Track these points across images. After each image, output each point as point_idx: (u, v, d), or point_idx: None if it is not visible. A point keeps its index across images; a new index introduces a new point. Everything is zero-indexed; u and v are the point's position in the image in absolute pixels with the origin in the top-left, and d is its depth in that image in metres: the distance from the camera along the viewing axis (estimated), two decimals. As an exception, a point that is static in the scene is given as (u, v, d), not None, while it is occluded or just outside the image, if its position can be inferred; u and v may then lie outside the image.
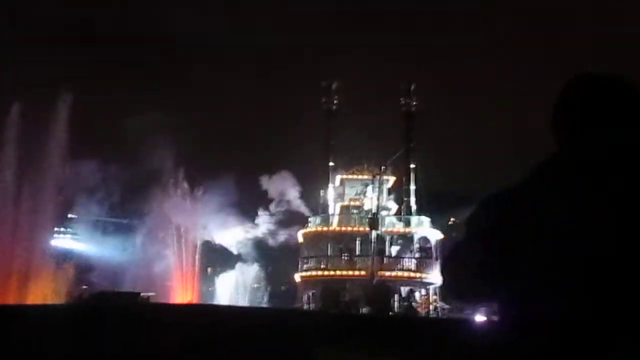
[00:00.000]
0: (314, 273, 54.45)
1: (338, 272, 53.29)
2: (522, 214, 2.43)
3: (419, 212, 57.59)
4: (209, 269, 68.00)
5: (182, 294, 65.81)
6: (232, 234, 63.65)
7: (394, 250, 55.70)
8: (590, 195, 2.37)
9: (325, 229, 55.52)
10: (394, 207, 58.53)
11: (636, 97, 2.55)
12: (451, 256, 2.60)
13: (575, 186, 2.40)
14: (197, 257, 64.93)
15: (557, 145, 2.59)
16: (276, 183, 62.60)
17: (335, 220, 56.39)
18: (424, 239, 55.61)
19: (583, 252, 2.31)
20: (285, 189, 62.64)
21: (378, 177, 56.74)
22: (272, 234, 62.73)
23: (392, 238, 55.23)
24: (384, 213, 56.58)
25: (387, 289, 51.95)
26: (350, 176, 58.61)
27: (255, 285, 68.51)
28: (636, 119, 2.51)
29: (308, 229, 56.27)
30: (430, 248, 55.25)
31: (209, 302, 67.09)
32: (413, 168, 58.32)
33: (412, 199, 58.01)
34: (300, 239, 56.58)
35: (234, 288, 65.65)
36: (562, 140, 2.58)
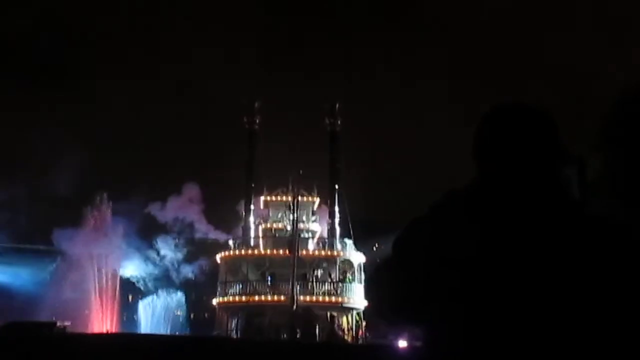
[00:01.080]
0: (231, 299, 52.51)
1: (257, 298, 51.46)
2: (437, 240, 2.46)
3: (343, 235, 56.23)
4: (130, 296, 65.62)
5: (100, 322, 63.38)
6: (135, 266, 61.33)
7: (318, 274, 54.15)
8: (508, 228, 2.39)
9: (245, 252, 53.69)
10: (318, 230, 57.04)
11: (554, 129, 2.60)
12: (373, 278, 2.65)
13: (494, 216, 2.42)
14: (117, 284, 62.69)
15: (478, 172, 2.60)
16: (176, 207, 60.57)
17: (260, 243, 54.65)
18: (348, 263, 54.21)
19: (490, 283, 2.34)
20: (186, 212, 60.58)
21: (300, 198, 55.28)
22: (178, 264, 60.59)
23: (314, 262, 53.66)
24: (306, 236, 55.08)
25: (310, 314, 50.28)
26: (274, 198, 57.00)
27: (178, 313, 66.48)
28: (555, 151, 2.55)
29: (227, 253, 54.34)
30: (354, 272, 53.89)
31: (130, 331, 64.97)
32: (338, 190, 56.93)
33: (337, 222, 56.57)
34: (220, 262, 54.60)
35: (156, 316, 63.48)
36: (482, 168, 2.59)
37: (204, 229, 61.17)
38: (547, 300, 2.35)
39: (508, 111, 2.63)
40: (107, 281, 61.23)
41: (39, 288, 61.48)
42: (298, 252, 50.89)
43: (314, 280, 53.65)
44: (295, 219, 50.99)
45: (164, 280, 62.59)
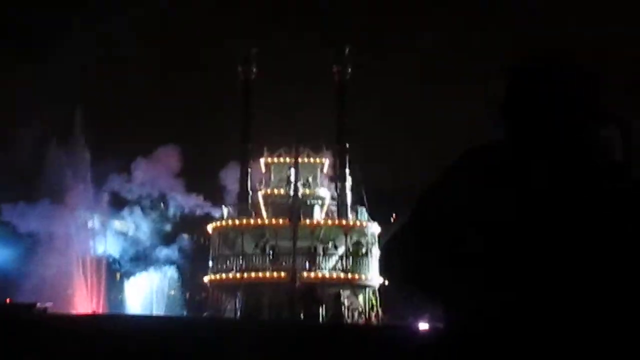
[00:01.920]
0: (225, 276, 45.26)
1: (255, 275, 44.18)
2: (462, 203, 2.32)
3: (355, 203, 48.79)
4: (118, 274, 58.51)
5: (85, 303, 56.37)
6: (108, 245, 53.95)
7: (326, 247, 46.79)
8: (547, 192, 2.29)
9: (241, 222, 46.29)
10: (327, 195, 49.49)
11: (596, 85, 2.42)
12: (390, 244, 2.46)
13: (530, 179, 2.30)
14: (103, 262, 55.78)
15: (505, 130, 2.44)
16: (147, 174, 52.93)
17: (263, 211, 47.27)
18: (361, 234, 46.75)
19: (530, 248, 2.23)
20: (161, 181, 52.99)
21: (306, 158, 47.85)
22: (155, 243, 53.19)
23: (322, 233, 46.23)
24: (313, 202, 47.66)
25: (314, 293, 43.06)
26: (275, 159, 49.42)
27: (172, 292, 59.63)
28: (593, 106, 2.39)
29: (219, 223, 46.97)
30: (368, 245, 46.52)
31: (118, 312, 58.51)
32: (348, 149, 49.31)
33: (348, 187, 49.01)
34: (211, 234, 47.25)
35: (147, 295, 56.63)
36: (513, 126, 2.43)
37: (188, 202, 53.54)
38: (584, 269, 2.21)
39: (544, 62, 2.43)
40: (87, 260, 54.36)
41: (15, 267, 55.01)
42: (301, 221, 43.58)
43: (322, 254, 46.30)
44: (296, 181, 43.52)
45: (142, 261, 55.25)
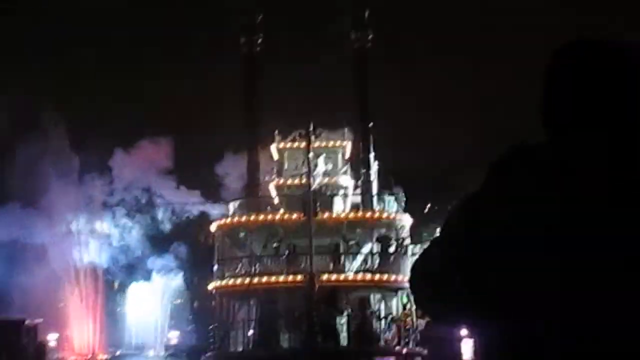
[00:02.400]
0: (231, 282, 38.54)
1: (266, 279, 37.43)
2: (511, 209, 1.98)
3: (382, 191, 42.01)
4: (116, 283, 52.05)
5: (80, 317, 49.93)
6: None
7: (348, 245, 39.97)
8: (608, 199, 1.94)
9: (248, 219, 39.50)
10: (351, 185, 42.65)
11: None
12: (416, 266, 2.14)
13: (589, 186, 1.97)
14: (98, 270, 49.54)
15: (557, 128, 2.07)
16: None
17: (280, 206, 40.51)
18: (392, 228, 39.90)
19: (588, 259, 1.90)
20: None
21: (325, 142, 41.15)
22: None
23: (344, 228, 39.41)
24: (335, 193, 40.83)
25: (335, 299, 36.42)
26: (289, 145, 42.55)
27: (179, 301, 53.14)
28: None
29: (225, 221, 40.21)
30: (399, 240, 39.72)
31: (118, 325, 52.30)
32: (373, 129, 42.43)
33: (373, 174, 42.16)
34: (215, 234, 40.49)
35: (149, 306, 50.25)
36: (553, 125, 2.09)
37: (180, 200, 46.91)
38: None
39: (600, 49, 2.06)
40: (79, 270, 48.07)
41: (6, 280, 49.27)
42: (320, 215, 36.89)
43: (345, 253, 39.51)
44: (310, 168, 36.84)
45: (135, 269, 48.87)
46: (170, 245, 49.28)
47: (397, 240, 40.26)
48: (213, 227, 40.31)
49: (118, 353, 49.39)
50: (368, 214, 40.14)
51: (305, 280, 36.37)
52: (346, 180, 42.38)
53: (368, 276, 38.48)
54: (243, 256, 39.32)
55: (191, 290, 51.38)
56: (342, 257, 39.57)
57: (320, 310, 35.77)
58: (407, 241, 39.24)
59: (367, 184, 41.89)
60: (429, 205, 51.32)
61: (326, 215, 38.49)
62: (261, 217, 39.44)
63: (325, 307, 36.38)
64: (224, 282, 38.92)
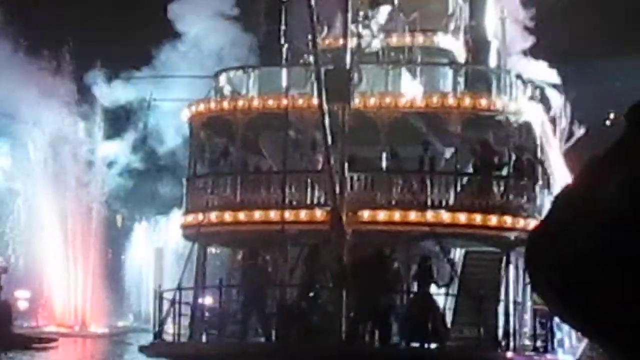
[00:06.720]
0: (213, 215, 20.85)
1: (257, 216, 19.92)
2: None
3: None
4: (120, 217, 36.05)
5: (65, 269, 33.99)
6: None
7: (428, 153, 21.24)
8: None
9: (254, 104, 21.34)
10: (457, 50, 23.90)
11: None
12: (532, 234, 1.93)
13: None
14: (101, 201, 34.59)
15: None
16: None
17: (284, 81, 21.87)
18: (510, 121, 20.73)
19: None
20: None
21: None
22: None
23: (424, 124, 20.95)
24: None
25: (381, 259, 18.42)
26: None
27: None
28: None
29: (206, 105, 22.10)
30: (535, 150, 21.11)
31: (123, 286, 37.23)
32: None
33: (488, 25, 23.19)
34: (193, 131, 22.66)
35: (167, 257, 34.17)
36: None
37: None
38: None
39: None
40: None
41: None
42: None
43: (427, 166, 21.06)
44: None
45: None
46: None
47: (534, 156, 21.32)
48: (185, 114, 22.43)
49: (121, 325, 34.25)
50: (483, 102, 20.97)
51: (331, 218, 18.50)
52: (449, 41, 23.54)
53: (478, 218, 19.77)
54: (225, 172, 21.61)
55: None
56: (427, 179, 20.65)
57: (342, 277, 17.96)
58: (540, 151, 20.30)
59: (478, 48, 22.79)
60: (611, 116, 31.45)
61: (402, 101, 20.16)
62: (271, 101, 21.13)
63: (360, 272, 18.22)
64: (193, 218, 21.45)
